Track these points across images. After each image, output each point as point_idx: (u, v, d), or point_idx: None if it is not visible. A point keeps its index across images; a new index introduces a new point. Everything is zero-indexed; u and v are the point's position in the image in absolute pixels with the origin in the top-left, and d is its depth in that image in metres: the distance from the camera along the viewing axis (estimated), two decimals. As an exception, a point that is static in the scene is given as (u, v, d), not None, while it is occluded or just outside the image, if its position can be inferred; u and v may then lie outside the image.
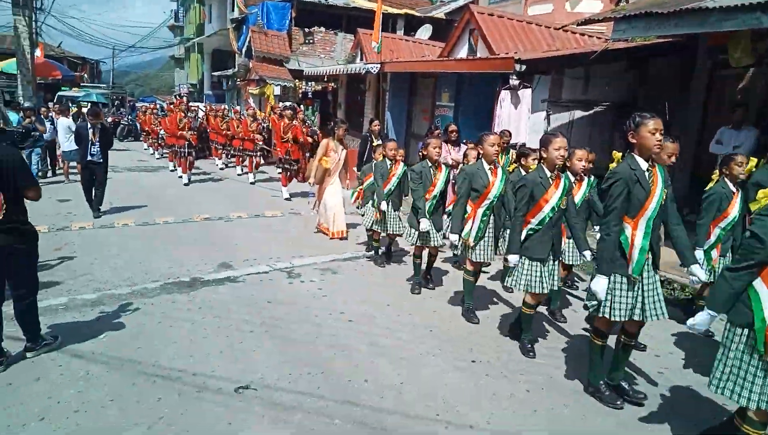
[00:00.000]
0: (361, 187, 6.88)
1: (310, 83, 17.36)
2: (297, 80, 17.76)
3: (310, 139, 11.03)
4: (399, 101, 12.73)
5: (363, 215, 6.57)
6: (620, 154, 3.58)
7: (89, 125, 8.02)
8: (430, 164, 5.23)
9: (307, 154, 10.78)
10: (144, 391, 3.45)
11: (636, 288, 3.28)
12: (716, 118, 7.74)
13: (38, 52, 18.72)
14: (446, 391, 3.61)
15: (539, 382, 3.79)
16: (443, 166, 5.38)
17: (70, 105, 17.95)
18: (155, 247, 6.76)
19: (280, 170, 10.95)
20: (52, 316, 4.48)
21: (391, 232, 6.15)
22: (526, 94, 7.99)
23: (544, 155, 3.85)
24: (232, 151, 13.84)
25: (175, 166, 12.74)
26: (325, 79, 16.78)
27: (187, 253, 6.53)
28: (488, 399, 3.55)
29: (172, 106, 13.24)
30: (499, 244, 4.86)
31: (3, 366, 3.61)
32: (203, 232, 7.63)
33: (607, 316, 3.30)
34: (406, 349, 4.21)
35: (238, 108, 15.83)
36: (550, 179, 3.87)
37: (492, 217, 4.69)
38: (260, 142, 12.61)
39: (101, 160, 8.18)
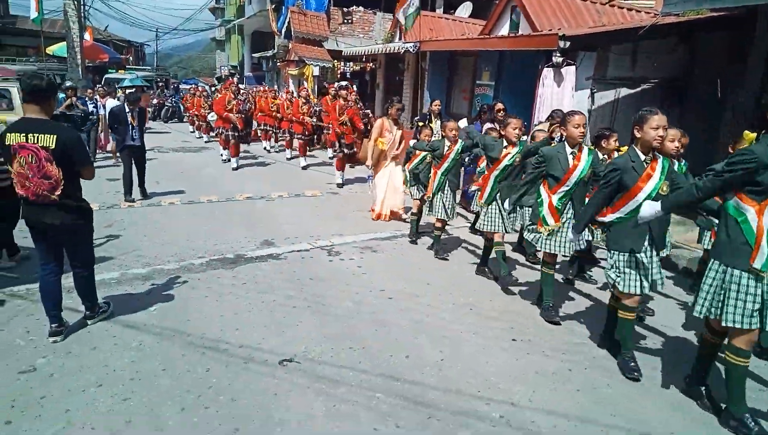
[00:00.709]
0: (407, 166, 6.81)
1: (348, 63, 17.32)
2: (336, 60, 17.75)
3: (364, 120, 10.46)
4: (438, 80, 12.59)
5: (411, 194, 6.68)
6: (754, 135, 3.53)
7: (127, 109, 8.01)
8: (505, 144, 5.05)
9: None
10: (193, 361, 3.59)
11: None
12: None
13: (87, 36, 19.30)
14: (487, 368, 3.63)
15: (582, 362, 3.76)
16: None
17: (116, 87, 18.51)
18: (200, 224, 6.95)
19: (332, 155, 10.60)
20: (105, 289, 4.68)
21: (441, 217, 5.92)
22: (569, 71, 7.77)
23: (638, 135, 3.45)
24: (279, 134, 13.53)
25: (228, 156, 11.65)
26: (364, 60, 16.72)
27: (230, 230, 6.70)
28: (530, 377, 3.55)
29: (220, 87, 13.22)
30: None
31: (62, 335, 3.81)
32: (246, 211, 7.79)
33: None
34: (446, 326, 4.24)
35: (291, 89, 15.21)
36: (645, 163, 3.46)
37: (572, 205, 4.28)
38: (308, 126, 12.14)
39: (140, 144, 8.19)
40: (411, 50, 11.89)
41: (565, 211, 4.28)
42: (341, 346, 3.85)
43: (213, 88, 21.42)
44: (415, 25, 11.28)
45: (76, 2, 17.42)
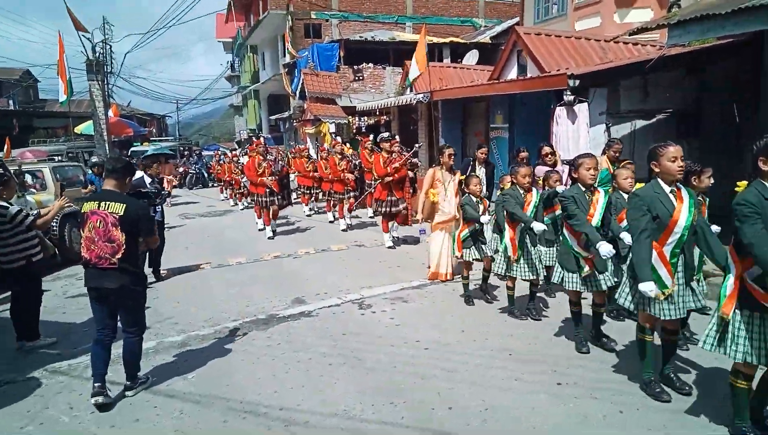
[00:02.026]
0: (460, 231, 5.95)
1: (363, 118, 17.77)
2: (350, 116, 18.23)
3: (410, 174, 9.44)
4: (452, 127, 12.82)
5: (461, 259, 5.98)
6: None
7: (148, 180, 7.29)
8: (583, 189, 4.30)
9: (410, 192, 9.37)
10: (235, 426, 3.58)
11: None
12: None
13: (111, 113, 20.20)
14: (534, 415, 3.54)
15: (633, 403, 3.64)
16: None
17: (141, 158, 19.17)
18: (230, 287, 7.04)
19: (374, 213, 9.81)
20: (144, 359, 4.70)
21: (528, 277, 5.21)
22: (582, 108, 7.88)
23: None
24: (320, 195, 12.60)
25: (263, 224, 10.90)
26: (377, 113, 17.15)
27: (261, 290, 6.77)
28: (580, 422, 3.45)
29: (242, 151, 12.97)
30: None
31: (104, 396, 3.86)
32: (274, 270, 7.88)
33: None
34: (486, 374, 4.17)
35: (325, 146, 14.04)
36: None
37: (684, 258, 3.55)
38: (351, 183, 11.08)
39: (161, 218, 7.47)
40: (423, 100, 12.19)
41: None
42: (382, 402, 3.80)
43: (232, 152, 22.03)
44: (425, 76, 11.60)
45: (100, 82, 18.33)
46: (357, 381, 4.16)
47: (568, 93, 7.80)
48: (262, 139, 13.82)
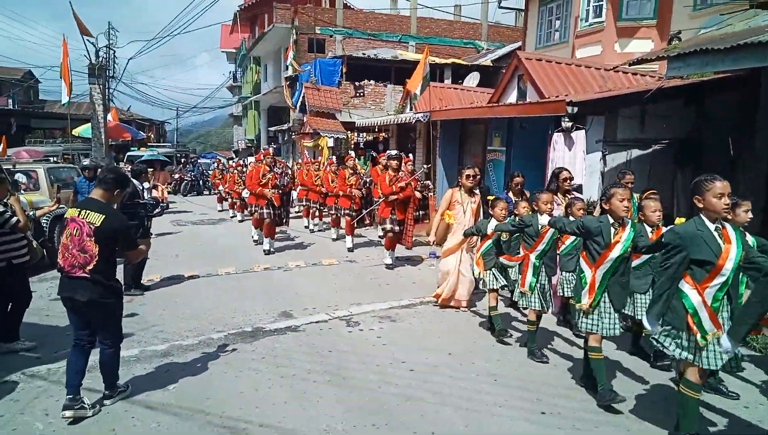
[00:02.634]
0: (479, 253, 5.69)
1: (361, 134, 17.83)
2: (349, 132, 18.30)
3: (418, 195, 9.14)
4: (450, 148, 12.84)
5: (481, 283, 5.72)
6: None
7: (142, 187, 7.49)
8: (611, 220, 3.93)
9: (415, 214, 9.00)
10: (213, 441, 3.50)
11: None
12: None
13: (110, 117, 20.21)
14: (516, 443, 3.49)
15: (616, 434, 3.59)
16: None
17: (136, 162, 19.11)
18: (219, 297, 6.97)
19: (381, 234, 9.19)
20: (125, 367, 4.64)
21: (537, 308, 4.89)
22: (579, 135, 7.91)
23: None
24: (325, 211, 12.02)
25: (261, 237, 10.36)
26: (376, 130, 17.21)
27: (249, 302, 6.70)
28: (561, 452, 3.39)
29: (242, 161, 12.26)
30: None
31: (73, 410, 3.71)
32: (264, 282, 7.81)
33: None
34: (471, 398, 4.11)
35: (333, 159, 13.21)
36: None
37: (726, 302, 3.31)
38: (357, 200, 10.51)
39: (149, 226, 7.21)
40: (422, 120, 12.24)
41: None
42: (364, 422, 3.74)
43: (230, 161, 22.02)
44: (425, 95, 11.66)
45: (101, 86, 18.37)
46: (341, 399, 4.09)
47: (566, 119, 7.83)
48: (270, 149, 12.97)
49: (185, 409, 3.92)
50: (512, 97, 11.58)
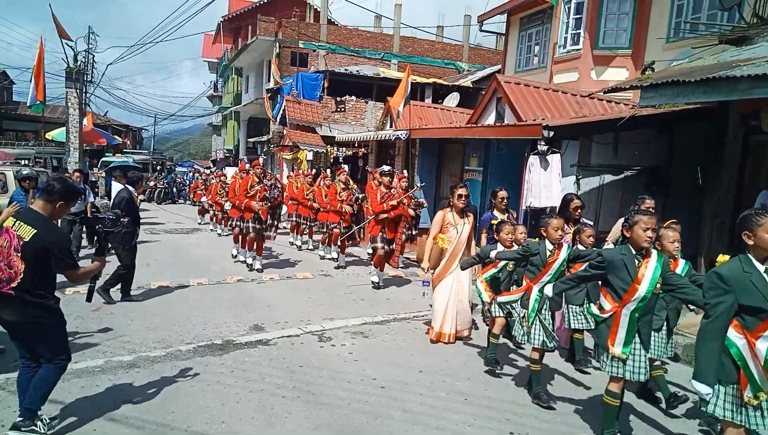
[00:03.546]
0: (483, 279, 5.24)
1: (341, 148, 17.87)
2: (329, 146, 18.33)
3: (412, 213, 8.85)
4: (428, 166, 12.96)
5: (489, 314, 5.26)
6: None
7: (134, 193, 7.20)
8: (634, 252, 3.54)
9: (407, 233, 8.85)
10: (177, 456, 3.42)
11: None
12: (754, 182, 7.64)
13: (85, 122, 19.87)
14: (483, 463, 3.49)
15: (581, 457, 3.62)
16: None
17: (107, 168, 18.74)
18: (189, 308, 6.85)
19: (371, 251, 8.82)
20: (88, 378, 4.54)
21: (540, 347, 4.41)
22: (555, 159, 8.07)
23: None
24: (315, 228, 11.40)
25: (244, 254, 9.76)
26: (356, 145, 17.27)
27: (220, 314, 6.60)
28: (528, 473, 3.40)
29: (232, 172, 11.13)
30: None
31: (19, 432, 3.46)
32: (236, 294, 7.71)
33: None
34: (441, 416, 4.10)
35: (327, 173, 12.66)
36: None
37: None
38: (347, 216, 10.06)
39: (134, 243, 7.23)
40: (401, 137, 12.34)
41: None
42: (332, 440, 3.70)
43: (207, 170, 21.80)
44: (405, 113, 11.77)
45: (78, 91, 18.09)
46: (309, 416, 4.04)
47: (542, 143, 7.99)
48: (260, 159, 11.83)
49: (149, 423, 3.83)
50: (491, 119, 11.75)
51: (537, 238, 4.63)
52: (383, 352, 5.55)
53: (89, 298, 4.01)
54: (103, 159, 22.36)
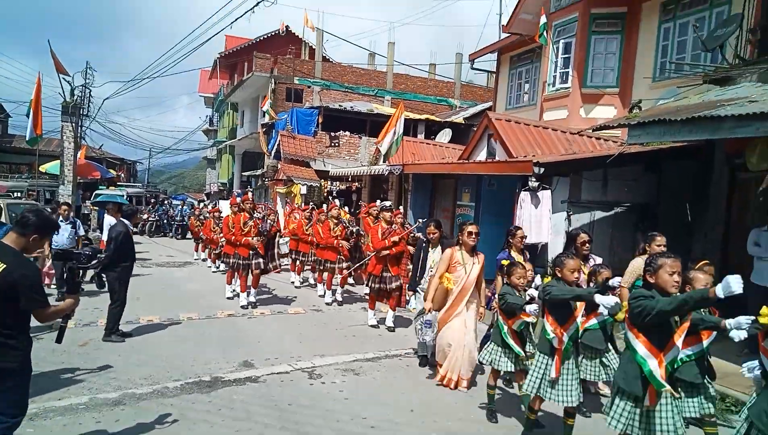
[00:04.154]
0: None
1: (335, 183, 17.98)
2: (323, 180, 18.45)
3: (411, 249, 8.17)
4: (421, 200, 13.06)
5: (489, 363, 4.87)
6: None
7: (130, 227, 7.16)
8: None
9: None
10: (159, 499, 3.33)
11: None
12: (742, 219, 7.74)
13: (79, 155, 19.90)
14: (474, 506, 3.41)
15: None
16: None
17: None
18: (178, 343, 6.76)
19: (368, 290, 8.25)
20: (71, 415, 4.44)
21: (570, 404, 3.99)
22: (545, 195, 8.16)
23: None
24: (311, 264, 10.73)
25: (234, 290, 9.53)
26: (350, 179, 17.39)
27: (209, 350, 6.51)
28: None
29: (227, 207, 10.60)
30: None
31: None
32: (226, 329, 7.62)
33: None
34: (431, 458, 4.03)
35: (323, 208, 11.62)
36: None
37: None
38: (345, 251, 9.79)
39: (127, 278, 7.08)
40: (394, 172, 12.45)
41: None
42: (320, 481, 3.61)
43: (200, 203, 21.75)
44: (398, 149, 11.91)
45: (73, 124, 18.18)
46: (297, 456, 3.96)
47: (533, 179, 8.10)
48: (249, 193, 11.39)
49: (132, 464, 3.74)
50: (482, 155, 11.91)
51: (549, 278, 4.34)
52: (374, 390, 5.47)
53: (59, 340, 3.61)
54: (97, 192, 22.34)
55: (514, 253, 5.91)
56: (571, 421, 4.06)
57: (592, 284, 4.80)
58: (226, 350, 6.54)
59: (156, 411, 4.63)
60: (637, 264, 5.36)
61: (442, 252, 5.89)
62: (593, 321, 4.70)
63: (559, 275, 4.06)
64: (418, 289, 6.38)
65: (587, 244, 5.48)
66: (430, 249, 6.48)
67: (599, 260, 5.57)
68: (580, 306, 4.05)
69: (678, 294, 3.11)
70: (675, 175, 8.90)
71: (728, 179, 8.04)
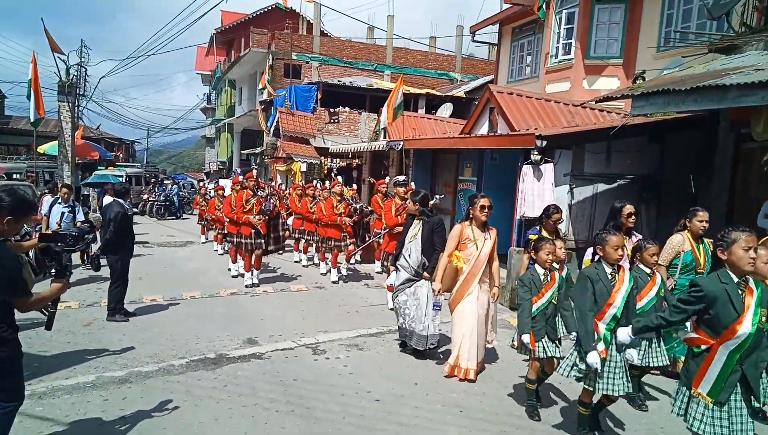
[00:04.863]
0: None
1: (335, 160, 17.89)
2: (323, 157, 18.34)
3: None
4: (422, 176, 12.97)
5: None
6: None
7: (128, 206, 7.09)
8: (735, 279, 2.92)
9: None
10: (168, 474, 3.37)
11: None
12: (747, 189, 7.68)
13: (76, 135, 19.76)
14: (480, 477, 3.44)
15: (578, 469, 3.58)
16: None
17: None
18: (182, 322, 6.79)
19: (380, 269, 8.01)
20: (79, 394, 4.47)
21: (614, 393, 3.65)
22: (548, 168, 8.09)
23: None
24: (316, 243, 10.57)
25: (241, 269, 9.46)
26: (350, 156, 17.29)
27: (213, 328, 6.54)
28: (525, 487, 3.36)
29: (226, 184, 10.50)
30: None
31: None
32: (229, 307, 7.65)
33: None
34: (436, 429, 4.07)
35: (326, 185, 11.93)
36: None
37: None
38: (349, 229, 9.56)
39: (127, 261, 7.05)
40: (395, 148, 12.35)
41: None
42: (326, 455, 3.65)
43: (200, 182, 21.60)
44: (399, 124, 11.79)
45: (70, 104, 18.02)
46: (303, 431, 4.00)
47: (536, 152, 8.01)
48: (253, 171, 10.93)
49: (140, 440, 3.77)
50: (484, 129, 11.79)
51: (590, 260, 4.01)
52: (378, 365, 5.50)
53: (48, 326, 3.39)
54: (96, 172, 22.24)
55: (545, 234, 5.47)
56: (585, 411, 3.85)
57: (637, 261, 4.37)
58: (230, 328, 6.57)
59: (162, 388, 4.67)
60: (676, 241, 4.98)
61: (423, 227, 5.59)
62: (644, 301, 4.23)
63: (601, 254, 3.67)
64: (398, 263, 5.81)
65: (633, 217, 5.09)
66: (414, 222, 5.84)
67: (639, 236, 5.15)
68: (614, 293, 3.58)
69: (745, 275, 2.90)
70: (679, 145, 8.81)
71: (733, 149, 7.95)
